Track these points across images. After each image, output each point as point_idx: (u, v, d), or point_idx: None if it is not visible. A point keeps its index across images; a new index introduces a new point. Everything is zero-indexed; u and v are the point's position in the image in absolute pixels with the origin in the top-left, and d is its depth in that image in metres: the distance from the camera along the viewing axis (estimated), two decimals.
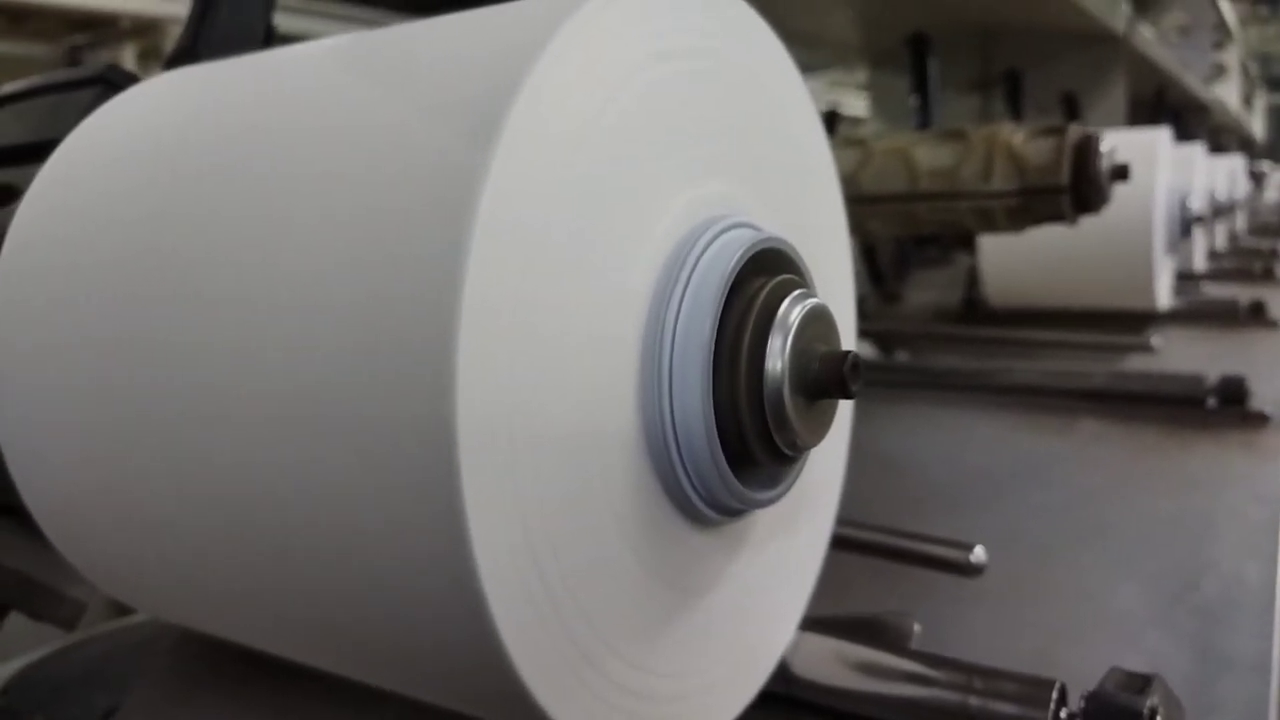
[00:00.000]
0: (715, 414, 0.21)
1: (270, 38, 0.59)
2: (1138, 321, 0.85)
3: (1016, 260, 0.85)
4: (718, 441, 0.21)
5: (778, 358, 0.22)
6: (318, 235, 0.19)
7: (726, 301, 0.22)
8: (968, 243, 0.93)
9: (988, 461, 0.61)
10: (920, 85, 1.00)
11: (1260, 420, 0.58)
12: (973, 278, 0.95)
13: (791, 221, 0.26)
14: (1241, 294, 0.98)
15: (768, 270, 0.23)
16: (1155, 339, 0.70)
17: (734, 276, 0.22)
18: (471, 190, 0.17)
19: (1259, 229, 1.94)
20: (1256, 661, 0.44)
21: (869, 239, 0.92)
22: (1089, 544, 0.52)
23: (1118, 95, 1.49)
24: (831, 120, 1.70)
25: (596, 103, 0.20)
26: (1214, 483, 0.55)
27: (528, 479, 0.18)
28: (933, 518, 0.56)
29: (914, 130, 0.57)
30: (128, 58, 1.83)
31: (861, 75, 1.77)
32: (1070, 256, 0.81)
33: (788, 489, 0.24)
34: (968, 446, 0.64)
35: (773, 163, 0.26)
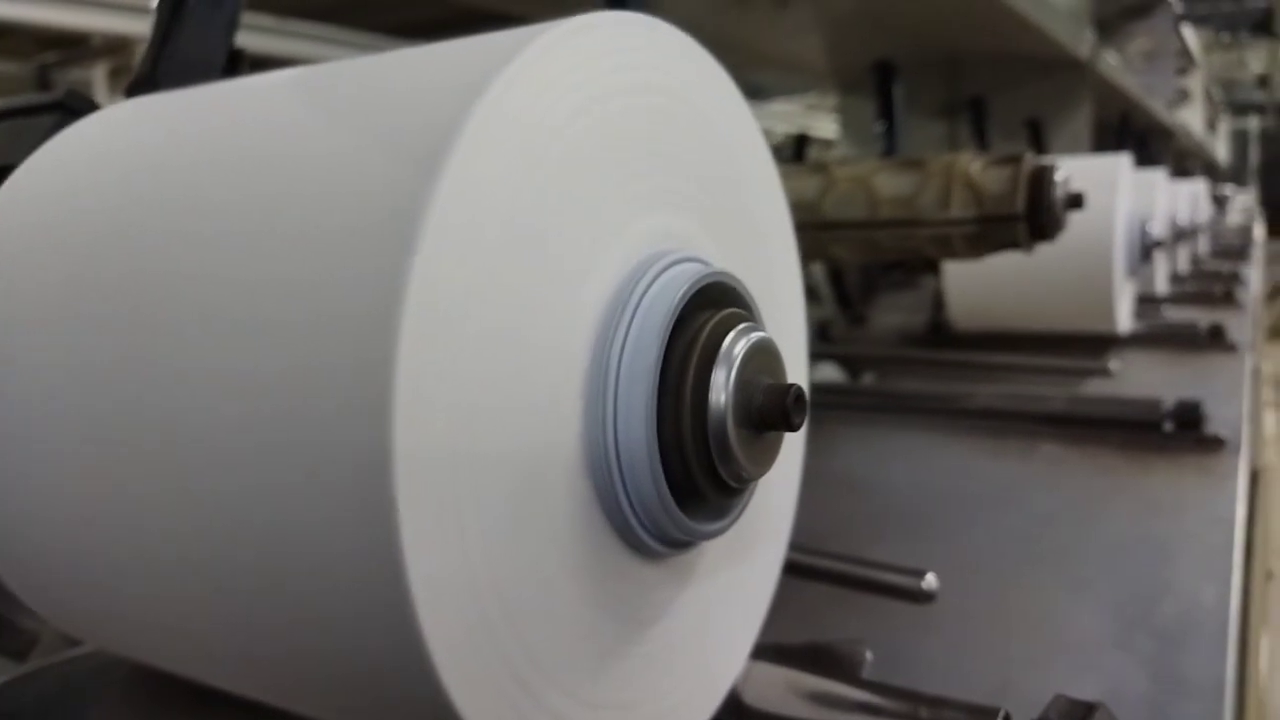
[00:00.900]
0: (660, 447, 0.21)
1: (238, 61, 0.59)
2: (1099, 345, 0.86)
3: (980, 284, 0.86)
4: (662, 474, 0.21)
5: (722, 391, 0.22)
6: (263, 266, 0.19)
7: (672, 335, 0.22)
8: (933, 266, 0.94)
9: (950, 485, 0.62)
10: (886, 111, 1.02)
11: (1216, 444, 0.59)
12: (938, 301, 0.96)
13: (740, 256, 0.26)
14: (1202, 317, 0.99)
15: (715, 304, 0.23)
16: (1114, 363, 0.71)
17: (680, 310, 0.22)
18: (413, 222, 0.17)
19: (1221, 252, 1.97)
20: (1212, 683, 0.45)
21: (834, 263, 0.93)
22: (1049, 567, 0.53)
23: (1082, 120, 1.52)
24: (802, 144, 1.72)
25: (545, 136, 0.20)
26: (1171, 506, 0.56)
27: (469, 511, 0.18)
28: (896, 542, 0.57)
29: (877, 157, 0.58)
30: (99, 76, 1.82)
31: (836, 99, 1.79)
32: (1032, 281, 0.82)
33: (734, 520, 0.24)
34: (931, 470, 0.64)
35: (723, 199, 0.26)
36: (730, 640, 0.27)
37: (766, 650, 0.29)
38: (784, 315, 0.29)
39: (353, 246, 0.18)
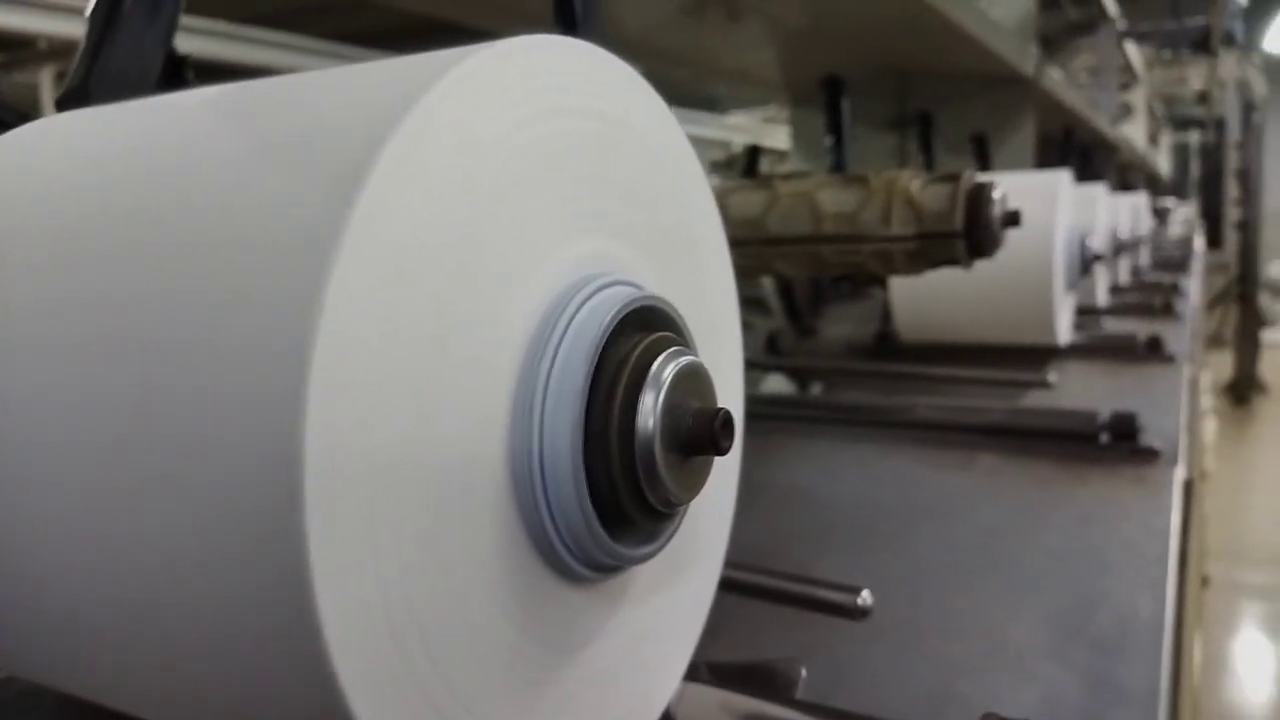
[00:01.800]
0: (587, 472, 0.21)
1: (182, 68, 0.58)
2: (1040, 356, 0.87)
3: (925, 298, 0.87)
4: (589, 500, 0.21)
5: (650, 415, 0.22)
6: (178, 288, 0.18)
7: (600, 358, 0.22)
8: (881, 279, 0.94)
9: (893, 496, 0.62)
10: (835, 126, 1.02)
11: (1150, 455, 0.60)
12: (886, 313, 0.97)
13: (674, 280, 0.26)
14: (1141, 329, 1.01)
15: (645, 327, 0.23)
16: (1053, 375, 0.72)
17: (609, 333, 0.22)
18: (328, 246, 0.17)
19: (1162, 263, 2.01)
20: (1147, 691, 0.46)
21: (781, 278, 0.93)
22: (988, 578, 0.53)
23: (1027, 135, 1.54)
24: (755, 155, 1.73)
25: (471, 158, 0.20)
26: (1107, 517, 0.56)
27: (385, 537, 0.18)
28: (841, 553, 0.57)
29: (823, 173, 0.58)
30: (45, 79, 1.78)
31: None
32: (975, 294, 0.84)
33: (665, 544, 0.24)
34: (875, 481, 0.65)
35: (658, 223, 0.26)
36: (663, 662, 0.27)
37: (701, 670, 0.29)
38: (719, 337, 0.29)
39: (267, 269, 0.17)
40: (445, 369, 0.19)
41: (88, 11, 0.38)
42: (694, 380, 0.23)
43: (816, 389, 0.93)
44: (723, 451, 0.22)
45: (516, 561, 0.21)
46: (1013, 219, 0.52)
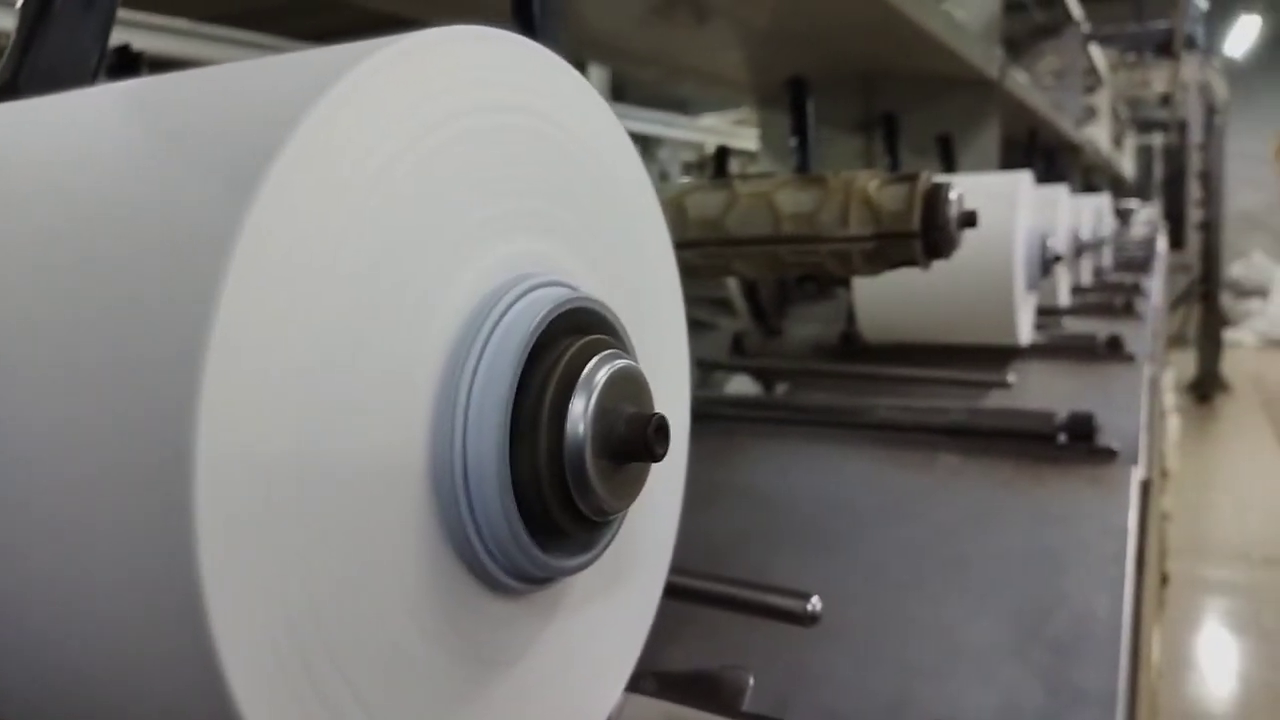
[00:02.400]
0: (514, 480, 0.20)
1: (136, 64, 0.56)
2: (1001, 356, 0.87)
3: (888, 299, 0.87)
4: (515, 509, 0.20)
5: (580, 421, 0.21)
6: (70, 286, 0.17)
7: (529, 362, 0.21)
8: (844, 279, 0.94)
9: (855, 497, 0.62)
10: (799, 127, 1.02)
11: (1107, 455, 0.60)
12: (851, 313, 0.97)
13: (613, 280, 0.26)
14: (1102, 328, 1.01)
15: (579, 330, 0.22)
16: (1013, 375, 0.72)
17: (537, 336, 0.21)
18: (221, 253, 0.16)
19: (1125, 264, 2.03)
20: (1104, 692, 0.45)
21: (741, 278, 0.92)
22: (948, 579, 0.53)
23: (991, 137, 1.54)
24: (723, 156, 1.73)
25: (381, 154, 0.19)
26: (1064, 517, 0.56)
27: (287, 551, 0.17)
28: (797, 554, 0.56)
29: (785, 174, 0.58)
30: None
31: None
32: (937, 295, 0.83)
33: (600, 553, 0.23)
34: (836, 482, 0.64)
35: (595, 221, 0.25)
36: (602, 674, 0.26)
37: (647, 680, 0.28)
38: (662, 340, 0.28)
39: (160, 271, 0.16)
40: (355, 376, 0.18)
41: (18, 3, 0.37)
42: (629, 384, 0.22)
43: (781, 390, 0.92)
44: (657, 458, 0.22)
45: (440, 575, 0.20)
46: (969, 220, 0.52)
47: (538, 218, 0.23)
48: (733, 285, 1.00)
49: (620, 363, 0.22)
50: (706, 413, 0.69)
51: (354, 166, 0.18)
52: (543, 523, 0.21)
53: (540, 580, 0.22)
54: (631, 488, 0.22)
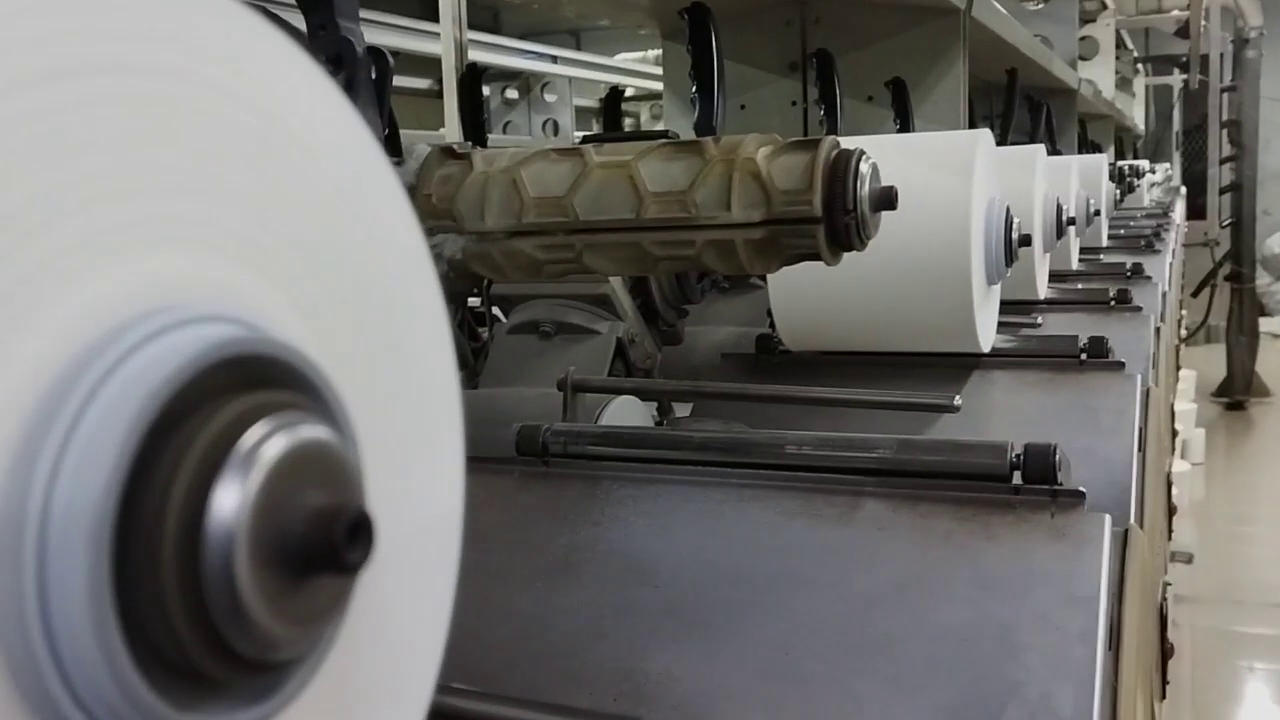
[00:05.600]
0: (125, 609, 0.18)
1: None
2: (957, 368, 0.88)
3: (811, 297, 0.86)
4: (124, 651, 0.18)
5: (228, 521, 0.19)
6: None
7: (151, 439, 0.19)
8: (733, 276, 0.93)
9: (754, 561, 0.61)
10: (702, 70, 1.00)
11: (1073, 499, 0.60)
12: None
13: (326, 314, 0.24)
14: (1087, 327, 1.03)
15: (245, 385, 0.20)
16: (960, 396, 0.71)
17: (167, 401, 0.19)
18: None
19: (1126, 240, 2.07)
20: None
21: (600, 274, 0.90)
22: (869, 667, 0.53)
23: (956, 79, 1.56)
24: (616, 101, 1.72)
25: None
26: (1018, 582, 0.56)
27: None
28: (680, 640, 0.55)
29: (642, 142, 0.56)
30: None
31: None
32: (872, 292, 0.83)
33: (286, 699, 0.21)
34: (731, 541, 0.63)
35: (292, 227, 0.24)
36: None
37: None
38: (414, 393, 0.27)
39: None
40: None
41: None
42: (318, 463, 0.21)
43: (677, 416, 0.91)
44: (349, 569, 0.20)
45: None
46: (887, 199, 0.51)
47: (189, 223, 0.21)
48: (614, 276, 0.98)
49: (305, 433, 0.20)
50: (567, 452, 0.68)
51: None
52: (178, 669, 0.19)
53: None
54: (325, 609, 0.21)
